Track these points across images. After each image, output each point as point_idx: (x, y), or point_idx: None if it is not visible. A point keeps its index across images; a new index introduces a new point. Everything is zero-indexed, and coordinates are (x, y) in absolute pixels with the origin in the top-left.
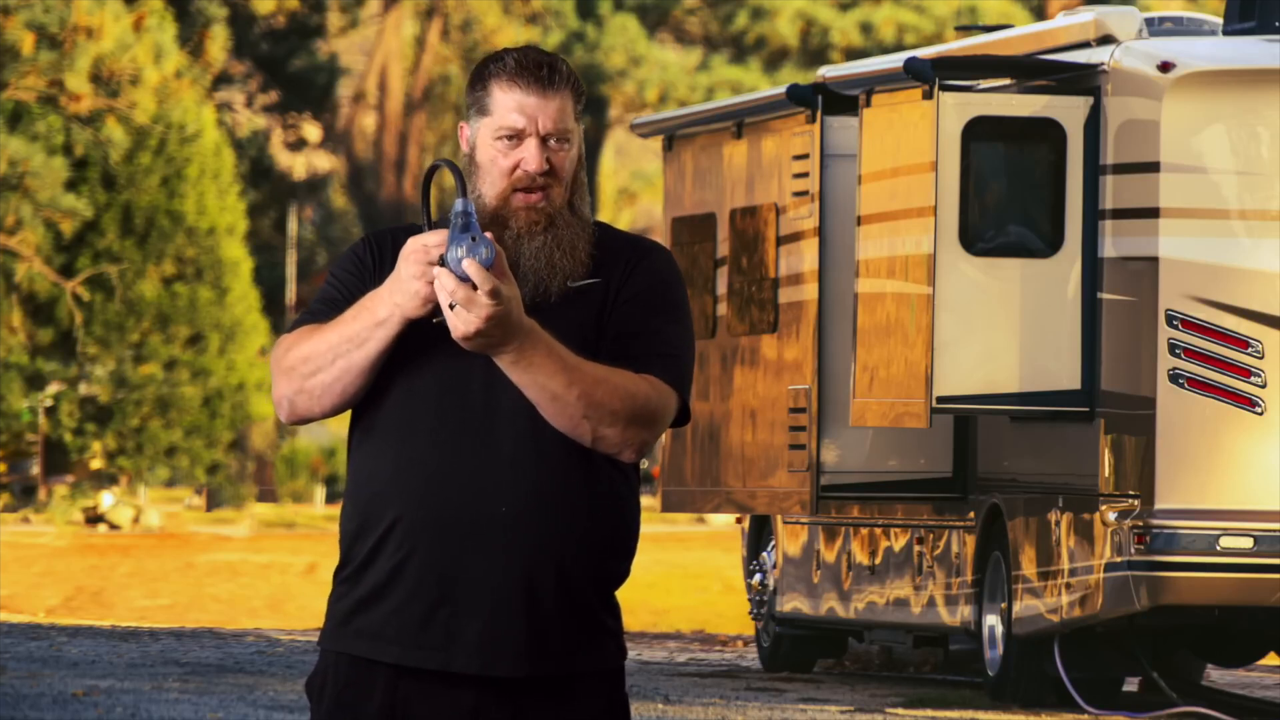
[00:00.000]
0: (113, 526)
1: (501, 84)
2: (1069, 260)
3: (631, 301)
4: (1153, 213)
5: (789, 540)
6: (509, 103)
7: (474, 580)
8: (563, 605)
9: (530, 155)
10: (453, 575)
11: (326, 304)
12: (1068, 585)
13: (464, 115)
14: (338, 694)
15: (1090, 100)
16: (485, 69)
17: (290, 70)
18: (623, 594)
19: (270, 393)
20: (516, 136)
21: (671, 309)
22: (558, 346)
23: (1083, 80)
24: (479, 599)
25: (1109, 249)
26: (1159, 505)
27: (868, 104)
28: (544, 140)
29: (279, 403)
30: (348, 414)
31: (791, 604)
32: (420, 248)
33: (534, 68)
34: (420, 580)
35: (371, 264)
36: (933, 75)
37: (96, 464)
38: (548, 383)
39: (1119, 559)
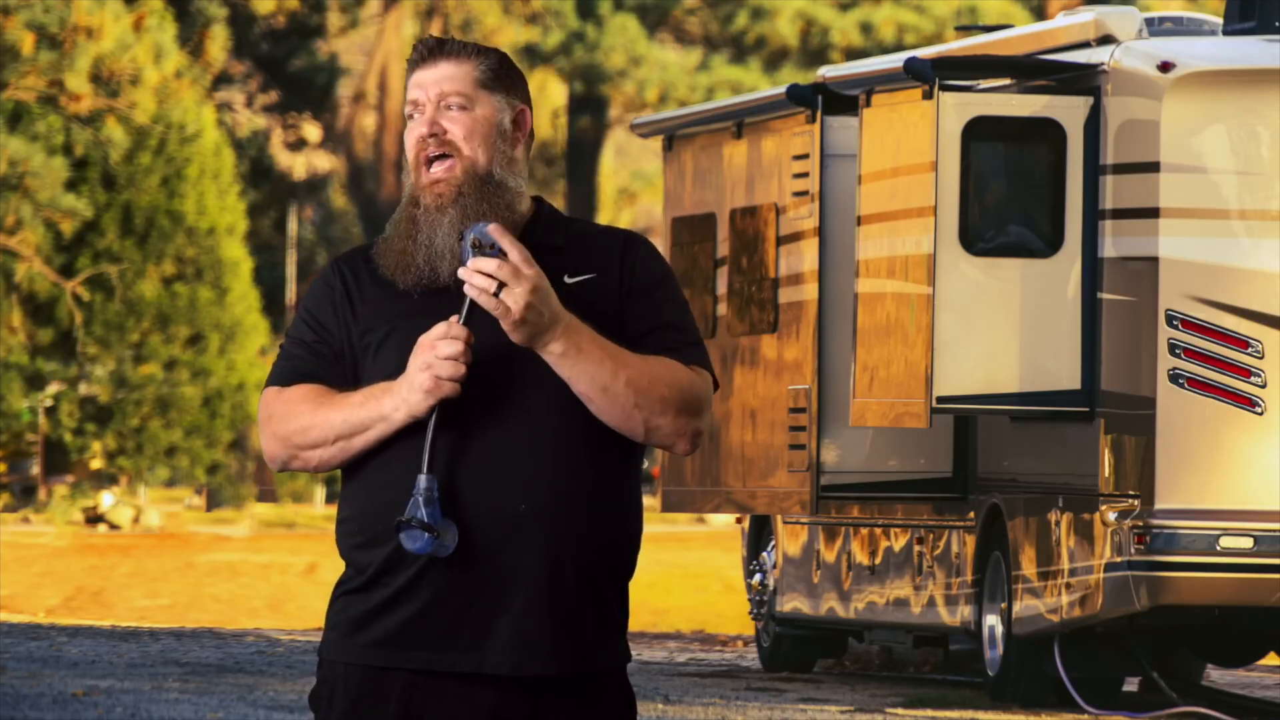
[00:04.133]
0: (113, 526)
1: (409, 71)
2: (1069, 260)
3: (641, 295)
4: (1153, 213)
5: (789, 540)
6: (410, 83)
7: (499, 580)
8: (585, 600)
9: (423, 119)
10: (477, 576)
11: (303, 348)
12: (1068, 585)
13: None
14: (349, 705)
15: (1090, 100)
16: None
17: (290, 70)
18: None
19: None
20: (418, 111)
21: (676, 296)
22: (599, 335)
23: (1083, 80)
24: (507, 598)
25: (1109, 249)
26: (1159, 505)
27: (868, 104)
28: (438, 106)
29: (269, 458)
30: None
31: (791, 604)
32: (428, 343)
33: (425, 46)
34: (445, 584)
35: (342, 289)
36: (933, 75)
37: (96, 464)
38: (597, 373)
39: (1119, 559)
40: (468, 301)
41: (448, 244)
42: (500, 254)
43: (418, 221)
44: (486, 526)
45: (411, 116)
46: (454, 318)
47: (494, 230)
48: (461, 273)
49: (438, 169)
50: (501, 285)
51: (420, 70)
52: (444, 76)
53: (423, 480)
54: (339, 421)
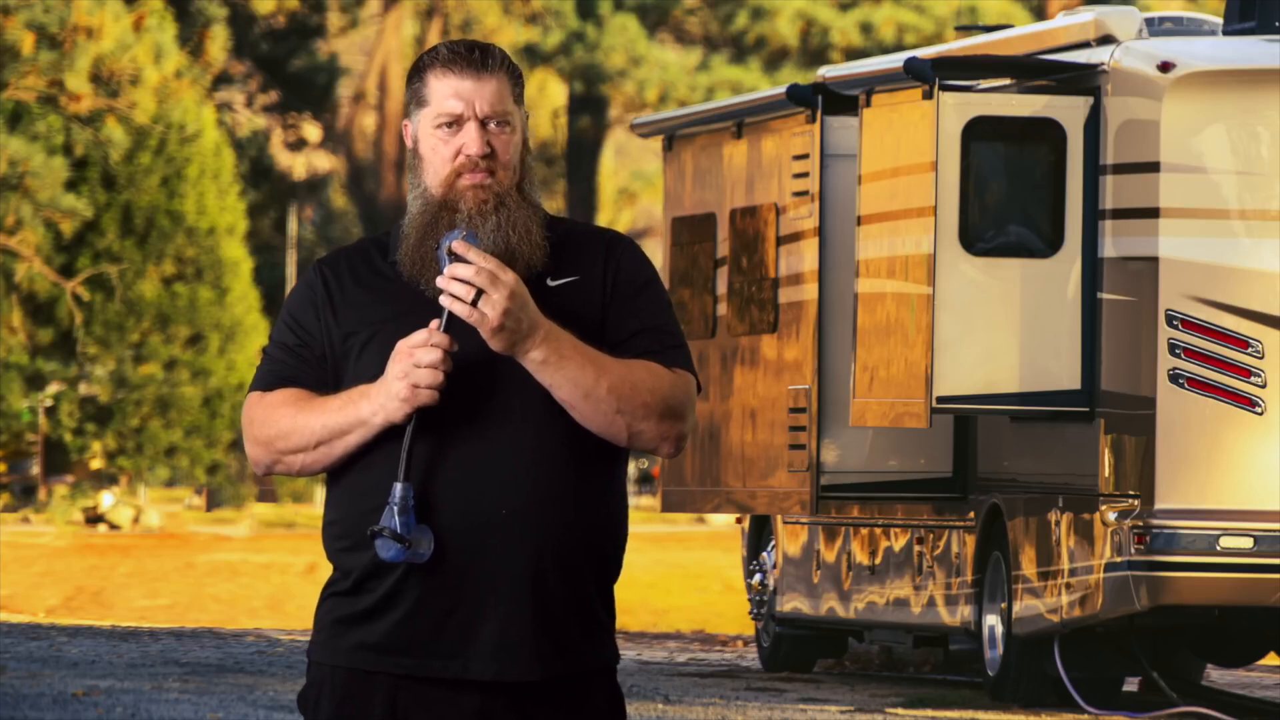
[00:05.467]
0: (113, 526)
1: (436, 73)
2: (1069, 260)
3: (625, 297)
4: (1153, 213)
5: (789, 540)
6: (445, 89)
7: (482, 585)
8: (568, 604)
9: (470, 139)
10: (460, 582)
11: (285, 351)
12: (1068, 585)
13: (406, 113)
14: (335, 708)
15: (1090, 100)
16: (420, 62)
17: (290, 70)
18: (623, 594)
19: None
20: (455, 122)
21: (660, 297)
22: (580, 341)
23: (1083, 80)
24: (490, 603)
25: (1109, 249)
26: (1159, 505)
27: (868, 104)
28: (483, 123)
29: (254, 463)
30: None
31: (791, 604)
32: (407, 350)
33: (466, 52)
34: (428, 590)
35: (324, 292)
36: (933, 75)
37: (96, 464)
38: (579, 378)
39: (1119, 559)
40: (447, 308)
41: (490, 248)
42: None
43: (457, 225)
44: (468, 532)
45: (449, 125)
46: (434, 323)
47: (461, 245)
48: (439, 281)
49: (477, 176)
50: (479, 293)
51: (458, 79)
52: (492, 94)
53: (398, 489)
54: (318, 426)
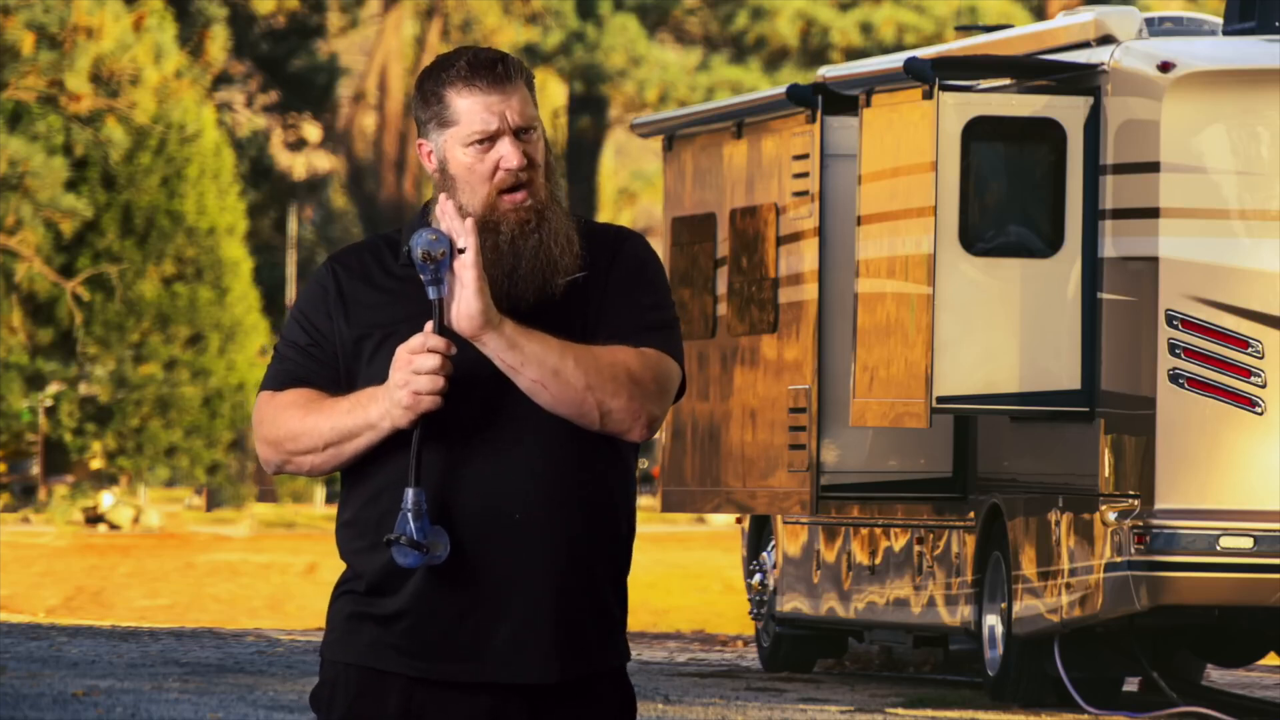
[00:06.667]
0: (113, 526)
1: (459, 90)
2: (1069, 260)
3: (618, 287)
4: (1153, 213)
5: (789, 540)
6: (474, 106)
7: (497, 587)
8: (584, 604)
9: (509, 153)
10: (475, 584)
11: (296, 350)
12: (1068, 585)
13: (421, 133)
14: (349, 705)
15: (1090, 100)
16: (438, 79)
17: (290, 70)
18: None
19: None
20: (489, 139)
21: (655, 287)
22: (541, 332)
23: (1083, 80)
24: (504, 605)
25: (1109, 249)
26: (1159, 505)
27: (868, 104)
28: (516, 135)
29: (264, 462)
30: None
31: (791, 604)
32: (406, 357)
33: (489, 65)
34: (443, 592)
35: (336, 291)
36: (933, 75)
37: (96, 464)
38: (545, 357)
39: (1119, 559)
40: (438, 309)
41: (533, 267)
42: (452, 257)
43: (500, 248)
44: (482, 535)
45: (477, 143)
46: (428, 325)
47: (432, 239)
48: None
49: (518, 195)
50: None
51: (485, 94)
52: (520, 103)
53: (410, 495)
54: (327, 429)
